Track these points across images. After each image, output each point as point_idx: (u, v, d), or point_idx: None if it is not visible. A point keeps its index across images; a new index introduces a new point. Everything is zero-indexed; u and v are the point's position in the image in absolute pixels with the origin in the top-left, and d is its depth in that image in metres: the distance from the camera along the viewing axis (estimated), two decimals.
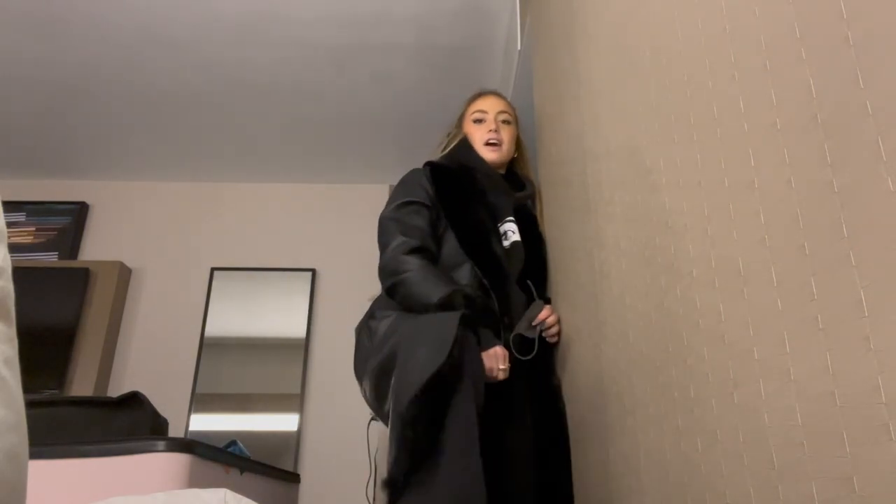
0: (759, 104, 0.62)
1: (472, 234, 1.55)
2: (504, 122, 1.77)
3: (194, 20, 2.56)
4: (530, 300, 1.54)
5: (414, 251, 1.46)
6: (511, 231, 1.64)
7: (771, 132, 0.60)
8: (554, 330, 1.52)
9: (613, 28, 1.13)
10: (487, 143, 1.72)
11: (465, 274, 1.51)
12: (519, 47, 2.34)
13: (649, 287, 0.92)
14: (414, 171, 1.67)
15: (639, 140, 0.97)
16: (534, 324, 1.49)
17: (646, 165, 0.94)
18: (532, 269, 1.61)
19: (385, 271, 1.48)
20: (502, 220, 1.65)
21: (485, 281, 1.47)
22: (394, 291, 1.46)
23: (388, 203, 1.61)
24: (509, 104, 1.84)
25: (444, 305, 1.33)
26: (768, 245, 0.60)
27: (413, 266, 1.43)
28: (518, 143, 1.82)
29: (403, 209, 1.55)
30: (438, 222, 1.58)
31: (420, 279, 1.41)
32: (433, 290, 1.37)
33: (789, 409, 0.56)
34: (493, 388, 1.29)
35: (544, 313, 1.50)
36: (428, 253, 1.49)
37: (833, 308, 0.50)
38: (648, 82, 0.93)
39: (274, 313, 3.47)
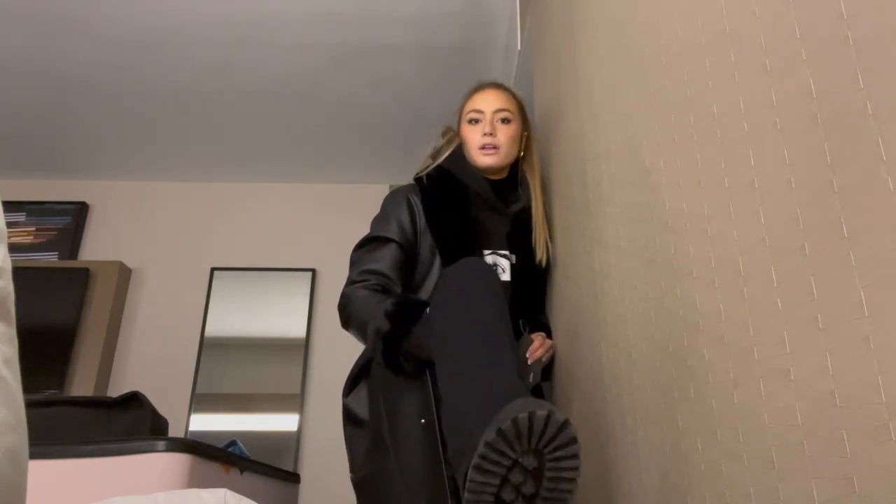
0: (759, 104, 0.62)
1: (460, 258, 1.51)
2: (503, 120, 1.61)
3: (194, 20, 2.56)
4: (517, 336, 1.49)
5: (361, 286, 1.46)
6: (501, 268, 1.56)
7: (771, 132, 0.60)
8: (547, 357, 1.49)
9: (613, 28, 1.13)
10: (482, 148, 1.58)
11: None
12: (519, 47, 2.34)
13: (649, 287, 0.92)
14: (394, 196, 1.59)
15: (639, 140, 0.97)
16: (529, 362, 1.44)
17: (646, 165, 0.94)
18: (525, 301, 1.56)
19: (339, 310, 1.50)
20: (493, 251, 1.57)
21: None
22: (347, 328, 1.48)
23: (364, 237, 1.58)
24: (511, 97, 1.65)
25: (374, 332, 1.34)
26: (768, 245, 0.60)
27: (355, 299, 1.44)
28: (527, 142, 1.66)
29: (367, 246, 1.53)
30: (415, 250, 1.53)
31: (359, 312, 1.42)
32: (366, 321, 1.38)
33: (789, 409, 0.56)
34: None
35: (535, 345, 1.46)
36: (378, 287, 1.46)
37: (833, 308, 0.50)
38: (648, 82, 0.93)
39: (274, 313, 3.47)
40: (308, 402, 3.30)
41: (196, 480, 1.41)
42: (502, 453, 0.80)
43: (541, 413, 0.79)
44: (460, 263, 1.25)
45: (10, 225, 3.48)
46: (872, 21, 0.47)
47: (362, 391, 1.48)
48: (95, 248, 3.58)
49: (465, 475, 0.84)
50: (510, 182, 1.65)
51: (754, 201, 0.62)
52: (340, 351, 1.56)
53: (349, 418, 1.48)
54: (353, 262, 1.54)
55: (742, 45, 0.65)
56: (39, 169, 3.60)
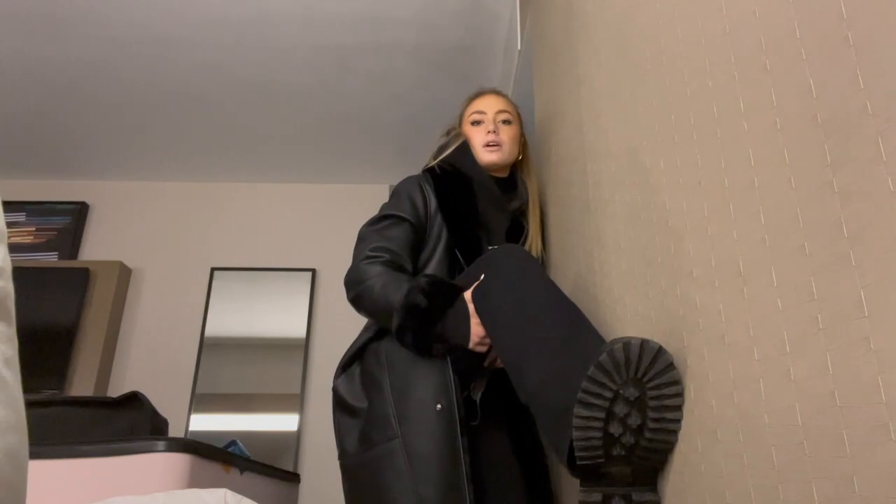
0: (759, 104, 0.62)
1: (469, 243, 1.51)
2: (504, 121, 1.67)
3: (194, 20, 2.56)
4: None
5: (377, 262, 1.43)
6: None
7: (771, 132, 0.60)
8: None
9: (613, 28, 1.13)
10: (487, 146, 1.63)
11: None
12: (519, 47, 2.34)
13: (649, 287, 0.92)
14: (407, 181, 1.60)
15: (639, 140, 0.97)
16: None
17: (646, 165, 0.94)
18: None
19: (348, 283, 1.46)
20: (492, 246, 1.58)
21: None
22: (357, 303, 1.44)
23: (375, 215, 1.57)
24: (510, 102, 1.74)
25: (406, 307, 1.30)
26: (768, 245, 0.60)
27: (373, 274, 1.40)
28: (523, 145, 1.72)
29: (380, 223, 1.52)
30: (425, 235, 1.53)
31: (380, 286, 1.38)
32: (393, 294, 1.34)
33: (789, 409, 0.56)
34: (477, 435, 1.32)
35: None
36: (393, 264, 1.44)
37: (833, 308, 0.50)
38: (648, 82, 0.93)
39: (274, 313, 3.47)
40: (308, 402, 3.30)
41: (196, 480, 1.41)
42: (602, 385, 0.81)
43: (635, 342, 0.80)
44: (509, 247, 1.28)
45: (10, 225, 3.48)
46: (872, 21, 0.47)
47: (356, 373, 1.44)
48: (95, 248, 3.58)
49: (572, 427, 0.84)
50: (510, 181, 1.70)
51: (754, 201, 0.62)
52: (340, 351, 1.55)
53: (338, 403, 1.44)
54: (364, 238, 1.51)
55: (742, 45, 0.65)
56: (39, 169, 3.60)
